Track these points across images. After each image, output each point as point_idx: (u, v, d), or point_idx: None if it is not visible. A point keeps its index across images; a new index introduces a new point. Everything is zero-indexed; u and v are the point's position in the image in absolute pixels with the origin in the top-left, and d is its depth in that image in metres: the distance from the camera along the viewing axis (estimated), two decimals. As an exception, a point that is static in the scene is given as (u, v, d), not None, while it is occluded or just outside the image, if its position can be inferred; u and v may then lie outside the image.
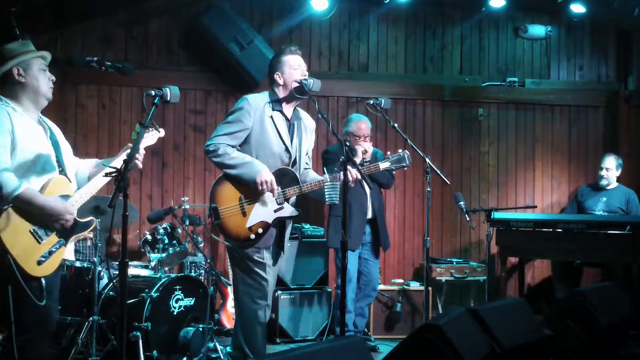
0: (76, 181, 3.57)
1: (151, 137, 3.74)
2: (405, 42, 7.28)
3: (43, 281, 3.29)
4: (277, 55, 4.19)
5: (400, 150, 4.28)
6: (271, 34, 6.86)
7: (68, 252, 3.50)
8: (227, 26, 6.36)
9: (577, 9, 6.94)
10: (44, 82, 3.48)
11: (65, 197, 3.40)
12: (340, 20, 7.11)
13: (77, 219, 3.42)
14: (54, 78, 3.53)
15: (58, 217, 3.31)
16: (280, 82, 4.11)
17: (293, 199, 4.12)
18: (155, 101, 3.43)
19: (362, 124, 5.70)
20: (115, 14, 6.68)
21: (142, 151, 3.52)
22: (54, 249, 3.33)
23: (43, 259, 3.28)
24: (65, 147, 3.60)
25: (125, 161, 3.22)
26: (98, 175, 3.51)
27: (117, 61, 4.99)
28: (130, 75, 5.59)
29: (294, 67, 4.08)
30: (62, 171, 3.44)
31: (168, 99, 3.47)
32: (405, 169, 4.34)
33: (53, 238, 3.34)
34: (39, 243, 3.28)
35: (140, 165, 3.51)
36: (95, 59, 4.24)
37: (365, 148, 5.37)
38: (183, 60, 6.81)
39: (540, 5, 7.37)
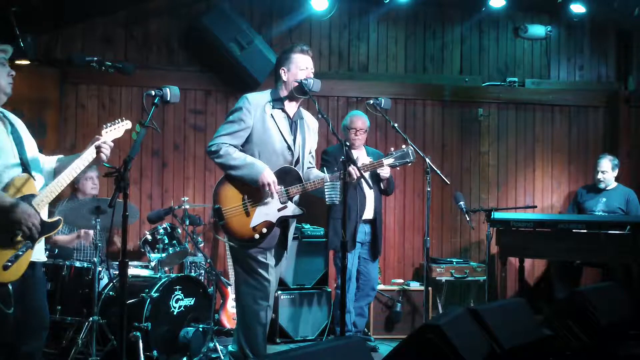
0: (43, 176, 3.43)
1: (118, 129, 3.54)
2: (405, 42, 7.28)
3: (10, 287, 3.14)
4: (287, 51, 4.16)
5: (403, 146, 4.27)
6: (271, 34, 6.86)
7: (39, 252, 3.35)
8: (227, 26, 6.36)
9: (577, 9, 6.94)
10: (2, 77, 3.30)
11: (31, 196, 3.25)
12: (340, 20, 7.11)
13: (43, 219, 3.27)
14: (13, 73, 3.35)
15: (26, 221, 3.15)
16: (285, 78, 4.09)
17: (296, 197, 4.11)
18: (155, 101, 3.43)
19: (356, 119, 5.72)
20: (115, 14, 6.68)
21: (109, 143, 3.38)
22: (20, 253, 3.17)
23: (9, 264, 3.12)
24: (29, 142, 3.43)
25: (124, 161, 3.20)
26: (63, 173, 3.32)
27: (117, 61, 5.00)
28: (130, 75, 5.61)
29: (300, 67, 4.07)
30: (26, 169, 3.29)
31: (168, 99, 3.46)
32: (409, 164, 4.32)
33: (19, 241, 3.18)
34: (4, 248, 3.13)
35: (105, 159, 3.35)
36: (95, 59, 4.24)
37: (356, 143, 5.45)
38: (183, 60, 6.81)
39: (540, 5, 7.37)
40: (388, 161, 4.23)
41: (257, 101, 4.06)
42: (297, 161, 4.12)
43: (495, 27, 7.42)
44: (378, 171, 5.20)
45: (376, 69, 7.19)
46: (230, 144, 3.98)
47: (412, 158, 4.23)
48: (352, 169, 3.87)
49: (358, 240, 5.67)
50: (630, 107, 7.47)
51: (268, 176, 3.91)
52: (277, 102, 4.09)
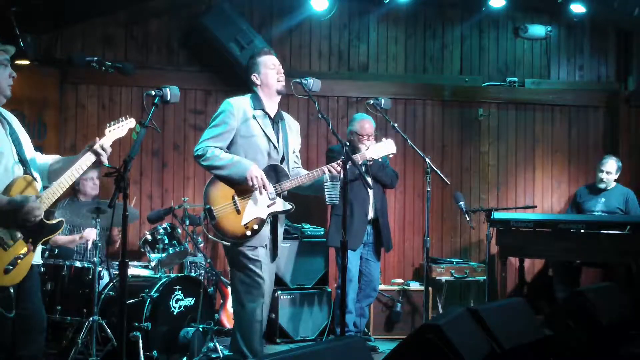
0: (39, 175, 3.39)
1: (122, 128, 3.50)
2: (405, 42, 7.27)
3: (11, 290, 3.12)
4: (251, 58, 4.29)
5: (383, 139, 4.40)
6: (271, 34, 6.86)
7: (36, 255, 3.31)
8: (227, 26, 6.36)
9: (577, 9, 6.94)
10: (3, 78, 3.26)
11: None
12: (340, 20, 7.11)
13: (45, 221, 3.24)
14: (14, 75, 3.31)
15: (28, 212, 3.11)
16: (258, 82, 4.20)
17: (284, 194, 4.17)
18: (155, 101, 3.43)
19: (365, 123, 5.71)
20: (115, 14, 6.68)
21: (107, 147, 3.35)
22: (21, 256, 3.15)
23: (10, 267, 3.09)
24: (26, 141, 3.40)
25: (124, 161, 3.20)
26: (62, 176, 3.27)
27: (117, 61, 4.99)
28: (130, 75, 5.61)
29: (269, 67, 4.18)
30: (26, 170, 3.27)
31: (168, 99, 3.47)
32: (391, 157, 4.39)
33: (20, 244, 3.16)
34: (5, 250, 3.10)
35: (106, 162, 3.33)
36: (95, 59, 4.24)
37: (368, 147, 5.39)
38: (183, 60, 6.81)
39: (540, 5, 7.37)
40: (370, 153, 4.32)
41: (238, 104, 4.14)
42: (282, 159, 4.20)
43: (495, 27, 7.42)
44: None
45: (376, 69, 7.19)
46: (215, 146, 4.05)
47: (393, 149, 4.36)
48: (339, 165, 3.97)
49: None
50: (630, 107, 7.46)
51: (255, 171, 3.99)
52: (258, 103, 4.18)
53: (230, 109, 4.10)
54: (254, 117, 4.12)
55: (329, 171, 4.04)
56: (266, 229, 4.09)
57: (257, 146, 4.11)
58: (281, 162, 4.18)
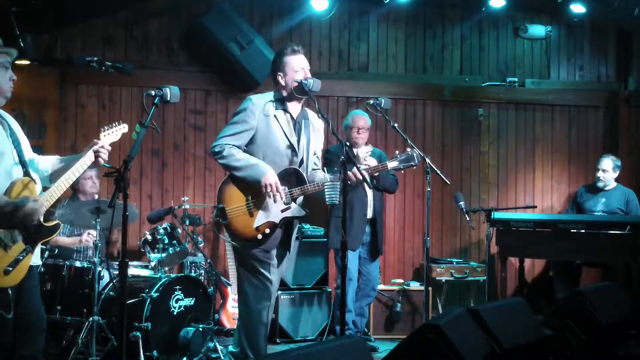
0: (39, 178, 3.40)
1: (116, 133, 3.52)
2: (405, 42, 7.27)
3: (10, 292, 3.14)
4: (279, 55, 4.17)
5: (408, 149, 4.30)
6: (271, 34, 6.86)
7: (35, 256, 3.32)
8: (227, 26, 6.36)
9: (577, 9, 6.94)
10: (4, 80, 3.28)
11: None
12: (340, 20, 7.11)
13: (43, 223, 3.25)
14: (15, 78, 3.33)
15: (28, 214, 3.11)
16: (283, 82, 4.11)
17: (300, 199, 4.12)
18: (155, 101, 3.42)
19: (357, 117, 5.73)
20: (115, 14, 6.68)
21: (107, 147, 3.38)
22: (20, 257, 3.15)
23: (10, 269, 3.10)
24: (25, 143, 3.41)
25: (124, 161, 3.20)
26: (62, 177, 3.29)
27: (117, 61, 4.99)
28: (130, 75, 5.61)
29: (296, 69, 4.07)
30: (26, 171, 3.28)
31: (168, 99, 3.46)
32: (414, 168, 4.34)
33: (19, 246, 3.16)
34: (6, 252, 3.11)
35: (102, 162, 3.35)
36: (95, 59, 4.22)
37: (365, 153, 5.38)
38: (183, 60, 6.81)
39: (540, 5, 7.37)
40: (392, 164, 4.26)
41: (260, 102, 4.07)
42: (302, 162, 4.13)
43: (495, 27, 7.42)
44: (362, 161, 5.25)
45: (376, 69, 7.19)
46: (233, 145, 3.99)
47: (416, 161, 4.27)
48: (352, 173, 3.90)
49: (359, 240, 5.68)
50: (630, 107, 7.47)
51: (270, 177, 3.92)
52: (280, 103, 4.10)
53: (252, 107, 4.03)
54: (275, 117, 4.05)
55: (351, 178, 3.94)
56: (278, 232, 4.05)
57: (277, 148, 4.05)
58: (300, 165, 4.11)
